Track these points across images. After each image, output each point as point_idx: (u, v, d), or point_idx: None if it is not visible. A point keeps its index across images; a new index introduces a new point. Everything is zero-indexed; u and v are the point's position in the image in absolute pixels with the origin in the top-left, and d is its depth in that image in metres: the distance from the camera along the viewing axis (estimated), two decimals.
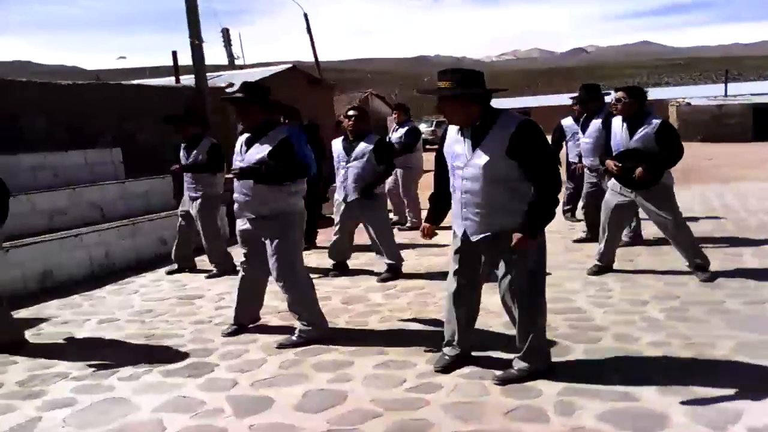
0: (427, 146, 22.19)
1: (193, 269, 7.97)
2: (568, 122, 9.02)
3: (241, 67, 26.21)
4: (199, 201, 7.48)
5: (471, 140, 3.88)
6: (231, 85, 16.24)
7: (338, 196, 6.99)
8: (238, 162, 5.02)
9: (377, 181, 6.82)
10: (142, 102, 12.97)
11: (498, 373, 4.17)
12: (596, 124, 7.81)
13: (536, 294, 4.08)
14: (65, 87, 11.55)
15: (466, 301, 4.30)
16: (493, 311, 5.41)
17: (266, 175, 4.85)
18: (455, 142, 3.99)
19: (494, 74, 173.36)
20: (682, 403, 3.66)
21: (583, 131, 8.17)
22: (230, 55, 28.03)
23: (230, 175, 5.00)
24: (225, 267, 7.67)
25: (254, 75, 18.81)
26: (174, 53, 17.21)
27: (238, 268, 5.59)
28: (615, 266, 6.75)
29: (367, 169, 6.75)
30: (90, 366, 4.74)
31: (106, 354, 4.99)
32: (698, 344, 4.56)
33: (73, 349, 5.18)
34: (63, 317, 6.17)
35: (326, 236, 8.30)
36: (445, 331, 4.42)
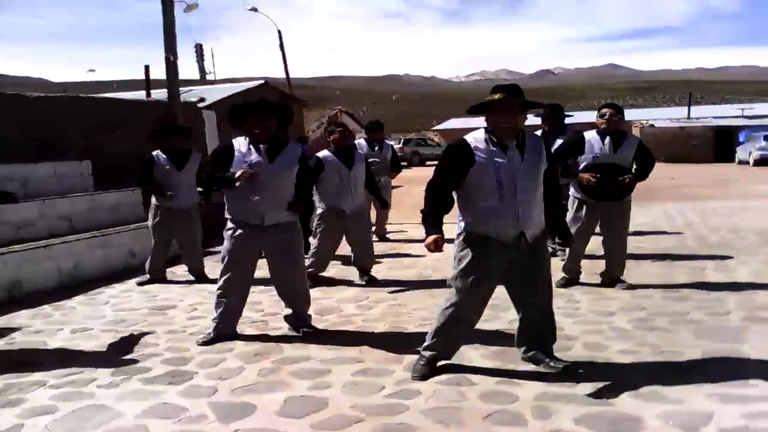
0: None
1: (164, 280, 7.96)
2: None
3: (212, 83, 26.18)
4: (192, 208, 7.79)
5: (518, 150, 4.19)
6: (202, 99, 16.31)
7: (333, 207, 7.20)
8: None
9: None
10: (113, 115, 12.93)
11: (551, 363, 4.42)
12: (559, 143, 7.97)
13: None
14: (36, 99, 11.51)
15: (476, 318, 4.57)
16: None
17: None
18: (494, 154, 4.17)
19: (463, 94, 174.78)
20: (655, 407, 3.78)
21: None
22: (202, 71, 27.99)
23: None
24: (203, 276, 7.94)
25: (226, 90, 18.85)
26: (146, 67, 17.22)
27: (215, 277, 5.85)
28: (582, 279, 6.92)
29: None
30: (67, 374, 4.73)
31: (82, 363, 4.97)
32: (666, 352, 4.71)
33: (49, 358, 5.15)
34: (35, 327, 6.13)
35: None
36: (438, 342, 4.51)
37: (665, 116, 51.51)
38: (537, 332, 4.49)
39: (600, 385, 4.12)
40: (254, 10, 30.94)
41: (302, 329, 5.50)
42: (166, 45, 14.23)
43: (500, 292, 6.32)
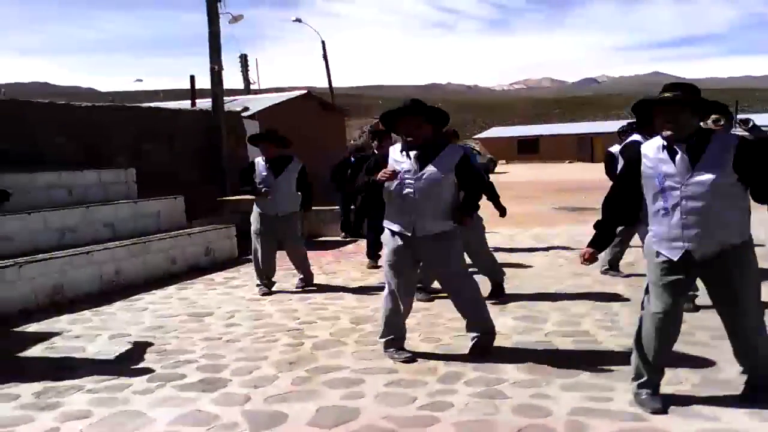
0: None
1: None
2: (615, 149, 8.96)
3: (256, 92, 26.46)
4: (290, 216, 7.73)
5: (688, 156, 3.72)
6: (246, 109, 16.44)
7: None
8: (409, 178, 4.88)
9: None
10: (158, 124, 13.15)
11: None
12: None
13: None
14: (84, 108, 11.74)
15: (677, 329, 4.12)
16: (504, 333, 5.47)
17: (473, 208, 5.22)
18: (660, 162, 3.80)
19: (506, 102, 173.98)
20: (691, 424, 3.69)
21: None
22: (246, 80, 28.31)
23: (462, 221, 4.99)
24: (311, 278, 8.00)
25: (270, 100, 19.01)
26: (192, 77, 17.48)
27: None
28: (621, 291, 6.81)
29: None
30: (104, 379, 4.80)
31: (118, 368, 5.04)
32: (705, 368, 4.60)
33: (86, 363, 5.23)
34: (75, 332, 6.23)
35: None
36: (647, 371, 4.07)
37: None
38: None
39: (636, 400, 4.04)
40: (298, 20, 31.25)
41: None
42: (211, 55, 14.44)
43: (537, 304, 6.26)
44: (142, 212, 9.87)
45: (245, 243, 8.80)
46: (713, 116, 6.06)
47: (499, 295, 6.89)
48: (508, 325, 5.84)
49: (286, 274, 8.29)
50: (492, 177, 34.57)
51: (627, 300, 6.65)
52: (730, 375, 4.39)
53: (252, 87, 29.19)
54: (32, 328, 6.40)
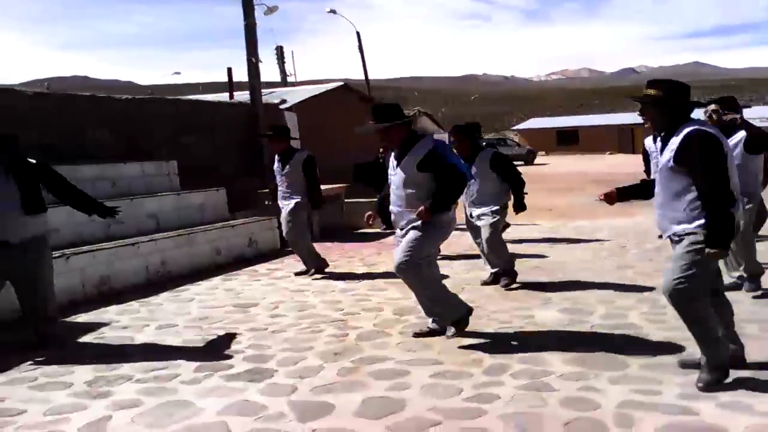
0: None
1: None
2: (648, 142, 8.81)
3: (293, 84, 26.57)
4: (291, 206, 7.95)
5: (661, 146, 4.19)
6: (284, 101, 16.52)
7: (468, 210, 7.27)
8: (392, 176, 5.32)
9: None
10: (198, 117, 13.28)
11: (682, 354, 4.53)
12: (739, 136, 7.46)
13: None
14: (125, 101, 11.89)
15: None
16: (549, 326, 5.44)
17: (444, 201, 5.11)
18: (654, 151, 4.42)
19: (543, 93, 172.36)
20: (743, 419, 3.62)
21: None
22: (283, 72, 28.43)
23: (421, 211, 5.08)
24: (315, 265, 8.17)
25: (307, 92, 19.08)
26: (229, 70, 17.58)
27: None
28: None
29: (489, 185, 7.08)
30: (152, 369, 4.88)
31: (166, 358, 5.12)
32: (756, 362, 4.50)
33: (135, 353, 5.32)
34: (122, 322, 6.34)
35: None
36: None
37: (755, 116, 49.57)
38: None
39: (685, 393, 3.99)
40: (333, 12, 31.29)
41: None
42: (247, 48, 14.50)
43: (581, 296, 6.20)
44: (186, 204, 9.99)
45: None
46: (711, 107, 6.17)
47: (505, 281, 7.12)
48: (554, 317, 5.81)
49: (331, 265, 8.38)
50: (532, 169, 34.19)
51: None
52: None
53: (289, 79, 29.34)
54: (81, 318, 6.54)
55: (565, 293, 6.68)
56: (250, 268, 8.50)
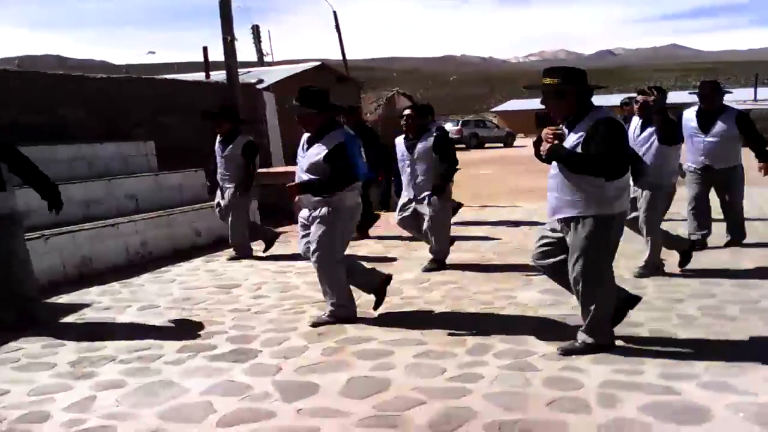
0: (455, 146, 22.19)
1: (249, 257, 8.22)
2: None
3: (270, 64, 26.34)
4: (231, 191, 7.94)
5: (568, 131, 4.32)
6: (261, 81, 16.36)
7: (405, 194, 7.18)
8: (300, 158, 5.36)
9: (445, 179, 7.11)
10: (175, 96, 13.13)
11: (563, 344, 4.50)
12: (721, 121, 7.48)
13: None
14: (101, 80, 11.72)
15: None
16: (531, 306, 5.49)
17: (320, 189, 5.17)
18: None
19: (521, 75, 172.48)
20: (724, 397, 3.69)
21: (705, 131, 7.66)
22: (260, 52, 28.15)
23: (291, 185, 5.24)
24: (242, 253, 8.17)
25: (284, 72, 18.92)
26: (205, 49, 17.37)
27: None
28: None
29: (431, 167, 6.98)
30: (135, 350, 4.87)
31: (149, 339, 5.11)
32: (737, 341, 4.59)
33: (118, 334, 5.29)
34: (104, 303, 6.31)
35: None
36: None
37: (731, 98, 50.01)
38: None
39: (667, 373, 4.05)
40: None
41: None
42: (223, 26, 14.29)
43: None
44: (164, 185, 9.89)
45: (268, 216, 8.86)
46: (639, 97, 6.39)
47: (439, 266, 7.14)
48: (536, 298, 5.85)
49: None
50: (512, 151, 34.20)
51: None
52: (763, 348, 4.39)
53: (265, 59, 29.06)
54: (63, 299, 6.50)
55: (545, 276, 6.71)
56: (231, 249, 8.43)
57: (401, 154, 7.08)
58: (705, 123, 7.50)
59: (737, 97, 50.91)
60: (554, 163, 4.38)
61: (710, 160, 7.49)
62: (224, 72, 14.77)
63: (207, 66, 17.65)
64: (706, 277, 6.34)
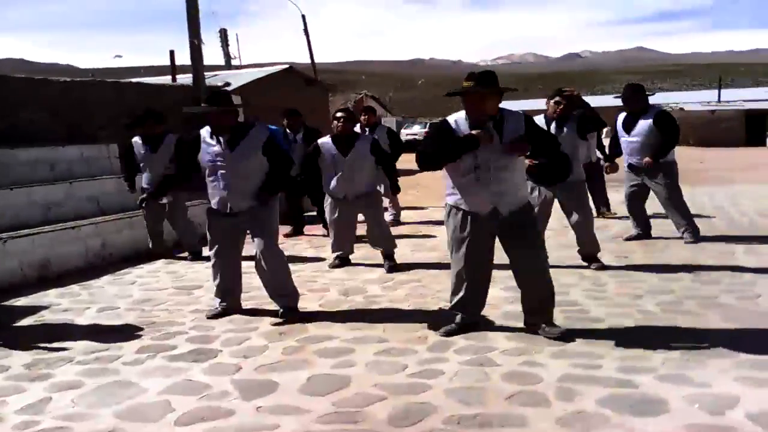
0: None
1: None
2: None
3: (237, 68, 26.20)
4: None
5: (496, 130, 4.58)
6: (228, 84, 16.27)
7: (337, 194, 7.15)
8: (219, 160, 5.42)
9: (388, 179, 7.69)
10: (140, 100, 12.98)
11: (547, 328, 4.71)
12: (643, 122, 7.76)
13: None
14: (64, 83, 11.58)
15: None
16: (493, 303, 5.50)
17: (278, 186, 5.53)
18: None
19: None
20: (681, 389, 3.73)
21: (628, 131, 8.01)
22: (227, 55, 27.98)
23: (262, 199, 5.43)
24: (195, 248, 8.33)
25: (251, 75, 18.84)
26: (171, 52, 17.24)
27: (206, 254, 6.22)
28: (609, 262, 6.87)
29: (366, 168, 7.11)
30: (93, 351, 4.79)
31: (108, 340, 5.03)
32: (695, 335, 4.65)
33: (75, 335, 5.21)
34: (63, 305, 6.20)
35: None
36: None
37: (695, 100, 50.79)
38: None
39: (625, 367, 4.09)
40: None
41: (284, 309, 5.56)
42: (190, 30, 14.20)
43: None
44: (127, 187, 9.76)
45: None
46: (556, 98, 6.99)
47: (391, 266, 7.19)
48: (498, 295, 5.86)
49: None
50: None
51: (617, 269, 6.70)
52: (720, 342, 4.44)
53: (233, 62, 28.88)
54: (20, 302, 6.37)
55: (508, 272, 6.67)
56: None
57: (332, 156, 7.11)
58: (628, 124, 7.90)
59: (702, 99, 51.85)
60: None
61: (634, 159, 7.90)
62: (191, 75, 14.68)
63: (174, 70, 17.52)
64: (665, 273, 6.42)
